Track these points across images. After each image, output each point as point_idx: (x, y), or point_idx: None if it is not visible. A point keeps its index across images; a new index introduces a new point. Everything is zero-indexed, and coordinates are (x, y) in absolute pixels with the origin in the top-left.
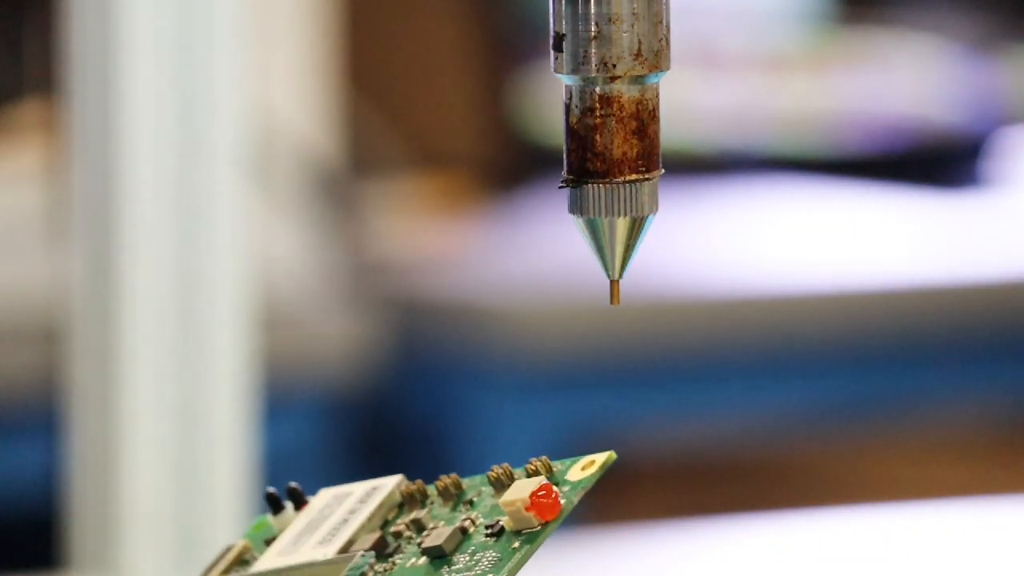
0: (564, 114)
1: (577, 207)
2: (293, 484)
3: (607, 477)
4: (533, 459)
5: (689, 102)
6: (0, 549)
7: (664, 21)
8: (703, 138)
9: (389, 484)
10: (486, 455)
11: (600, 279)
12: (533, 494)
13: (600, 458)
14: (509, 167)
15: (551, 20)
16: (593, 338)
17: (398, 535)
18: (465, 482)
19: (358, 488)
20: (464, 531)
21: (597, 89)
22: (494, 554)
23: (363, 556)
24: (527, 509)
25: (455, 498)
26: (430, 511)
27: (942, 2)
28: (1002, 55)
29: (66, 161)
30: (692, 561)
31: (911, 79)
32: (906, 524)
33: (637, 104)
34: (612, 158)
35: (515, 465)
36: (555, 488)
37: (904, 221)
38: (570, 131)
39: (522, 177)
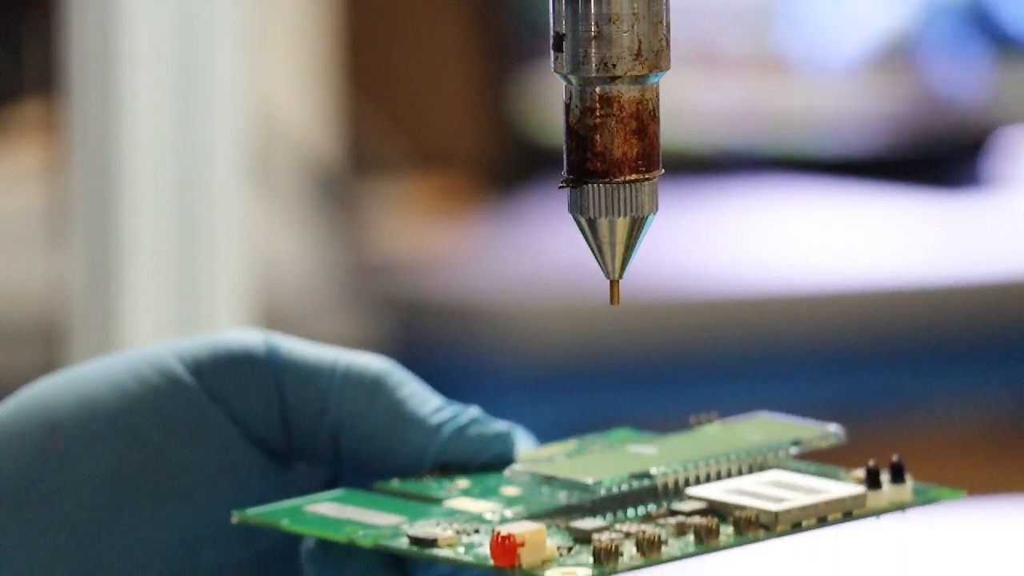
0: (564, 114)
1: (577, 207)
2: (896, 459)
3: None
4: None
5: (689, 102)
6: None
7: (664, 21)
8: (703, 138)
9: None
10: None
11: (600, 279)
12: (496, 536)
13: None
14: (509, 167)
15: (551, 20)
16: (593, 338)
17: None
18: None
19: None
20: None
21: (597, 89)
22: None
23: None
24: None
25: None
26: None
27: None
28: (1002, 55)
29: (66, 161)
30: (693, 560)
31: (911, 79)
32: (906, 524)
33: (637, 104)
34: (612, 158)
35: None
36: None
37: (904, 221)
38: (570, 131)
39: (522, 177)
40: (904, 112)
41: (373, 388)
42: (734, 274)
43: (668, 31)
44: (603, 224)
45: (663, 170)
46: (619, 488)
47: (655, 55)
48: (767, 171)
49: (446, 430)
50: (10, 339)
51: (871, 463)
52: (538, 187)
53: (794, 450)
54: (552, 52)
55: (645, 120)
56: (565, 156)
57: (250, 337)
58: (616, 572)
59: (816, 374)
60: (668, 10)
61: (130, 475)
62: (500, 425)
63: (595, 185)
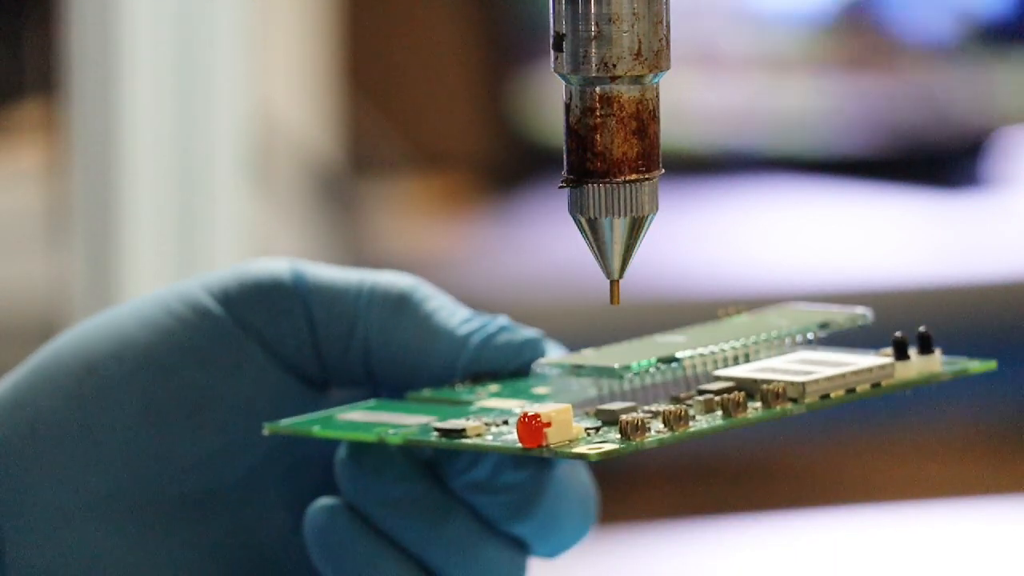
0: (564, 114)
1: (577, 207)
2: (923, 329)
3: (611, 478)
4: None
5: (689, 102)
6: None
7: (664, 21)
8: (703, 138)
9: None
10: None
11: (600, 279)
12: (523, 416)
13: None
14: (509, 167)
15: (551, 20)
16: (593, 338)
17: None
18: None
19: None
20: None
21: (597, 89)
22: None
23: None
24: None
25: None
26: None
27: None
28: (1002, 55)
29: (66, 161)
30: (694, 560)
31: (910, 79)
32: (906, 524)
33: (637, 104)
34: (612, 158)
35: None
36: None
37: (904, 221)
38: (570, 131)
39: (522, 177)
40: (903, 112)
41: (400, 304)
42: (734, 274)
43: (668, 31)
44: (603, 224)
45: (663, 170)
46: (647, 372)
47: (655, 55)
48: (767, 171)
49: (475, 340)
50: (10, 339)
51: (898, 334)
52: (538, 187)
53: (822, 333)
54: (552, 52)
55: (645, 120)
56: (565, 156)
57: (276, 265)
58: (643, 447)
59: None
60: (668, 10)
61: (165, 409)
62: (529, 332)
63: (595, 185)
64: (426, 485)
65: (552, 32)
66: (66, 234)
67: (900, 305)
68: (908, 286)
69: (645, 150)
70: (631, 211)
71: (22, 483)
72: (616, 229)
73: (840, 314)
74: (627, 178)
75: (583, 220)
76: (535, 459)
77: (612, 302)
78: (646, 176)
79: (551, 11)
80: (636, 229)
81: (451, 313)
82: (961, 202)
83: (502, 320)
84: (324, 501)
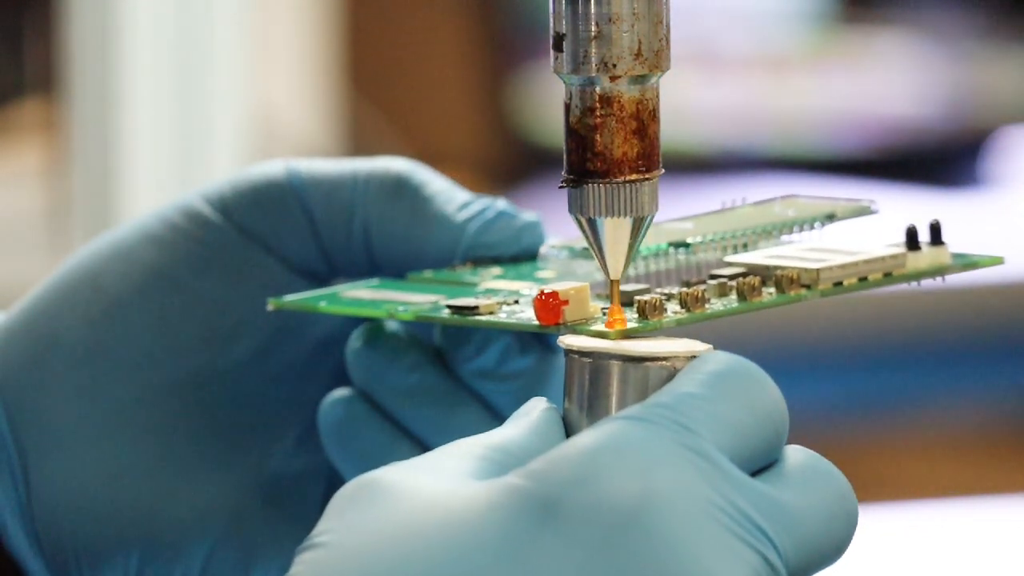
0: (564, 114)
1: (577, 207)
2: (934, 220)
3: None
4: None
5: (689, 102)
6: None
7: (664, 21)
8: (703, 138)
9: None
10: None
11: (600, 279)
12: (540, 294)
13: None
14: (509, 167)
15: (551, 20)
16: None
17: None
18: None
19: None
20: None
21: (597, 89)
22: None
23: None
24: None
25: None
26: None
27: (942, 2)
28: (1002, 55)
29: (66, 161)
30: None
31: (911, 79)
32: (906, 524)
33: (637, 104)
34: (612, 158)
35: None
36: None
37: (904, 221)
38: (570, 131)
39: (522, 177)
40: (906, 111)
41: (397, 189)
42: None
43: (668, 31)
44: (603, 224)
45: (663, 170)
46: (656, 256)
47: (655, 55)
48: (767, 171)
49: (473, 225)
50: None
51: (910, 224)
52: (538, 187)
53: (829, 225)
54: (552, 52)
55: (645, 120)
56: (565, 156)
57: (270, 166)
58: (661, 326)
59: (816, 374)
60: (668, 10)
61: (174, 320)
62: (529, 216)
63: (595, 185)
64: (438, 374)
65: (552, 32)
66: (66, 234)
67: (900, 305)
68: (907, 286)
69: (645, 150)
70: (631, 211)
71: (41, 402)
72: (616, 229)
73: (845, 205)
74: (627, 178)
75: (583, 220)
76: (541, 346)
77: (612, 302)
78: (646, 176)
79: (551, 11)
80: (636, 229)
81: (449, 199)
82: (961, 202)
83: (501, 204)
84: (338, 393)
